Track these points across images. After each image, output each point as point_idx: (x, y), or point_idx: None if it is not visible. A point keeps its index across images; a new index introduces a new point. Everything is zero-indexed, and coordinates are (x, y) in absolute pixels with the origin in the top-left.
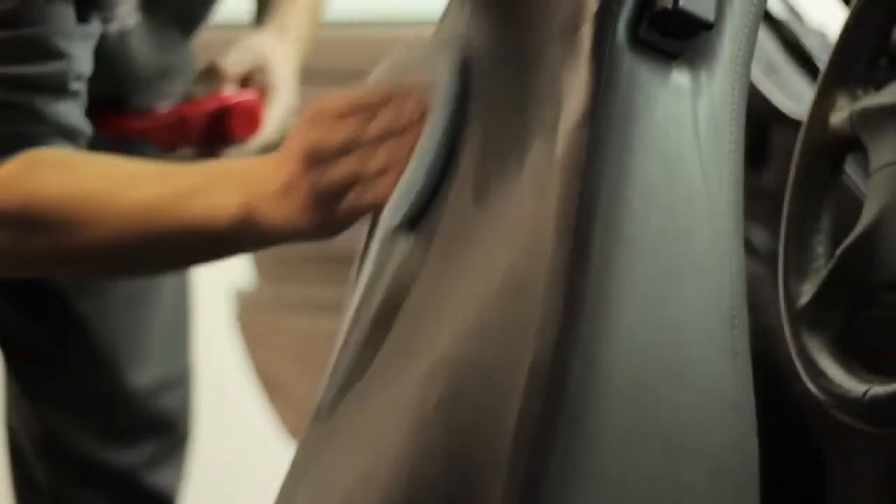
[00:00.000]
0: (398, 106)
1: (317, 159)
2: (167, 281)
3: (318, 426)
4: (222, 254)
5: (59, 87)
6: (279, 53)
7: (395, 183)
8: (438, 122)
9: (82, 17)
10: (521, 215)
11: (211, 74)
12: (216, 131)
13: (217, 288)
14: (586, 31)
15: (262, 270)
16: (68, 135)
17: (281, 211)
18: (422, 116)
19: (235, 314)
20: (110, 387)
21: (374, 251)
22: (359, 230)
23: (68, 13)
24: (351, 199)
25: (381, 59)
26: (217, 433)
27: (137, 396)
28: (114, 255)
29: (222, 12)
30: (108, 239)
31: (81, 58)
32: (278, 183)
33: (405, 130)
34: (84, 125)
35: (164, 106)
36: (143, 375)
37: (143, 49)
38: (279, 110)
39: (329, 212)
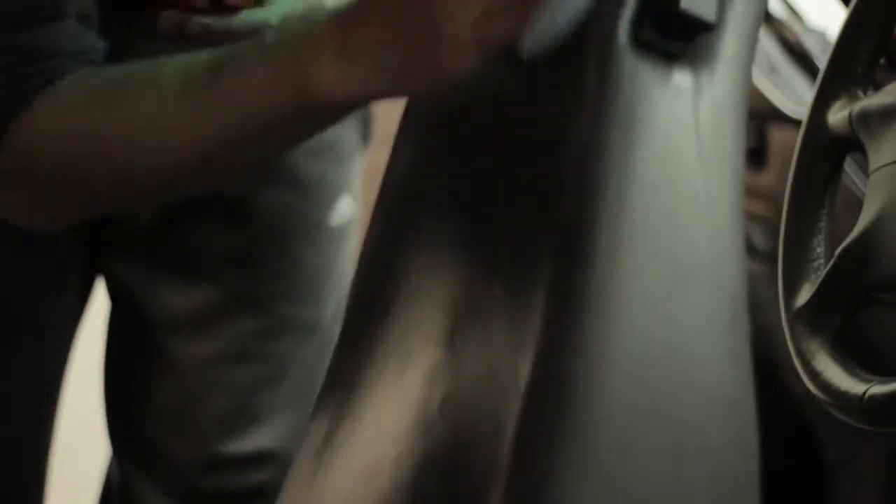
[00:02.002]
0: None
1: None
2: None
3: (320, 422)
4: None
5: (53, 13)
6: None
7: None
8: None
9: None
10: (521, 217)
11: None
12: None
13: None
14: (588, 32)
15: None
16: (81, 59)
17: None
18: None
19: None
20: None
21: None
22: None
23: None
24: (486, 30)
25: None
26: None
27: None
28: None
29: None
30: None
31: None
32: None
33: None
34: (97, 45)
35: None
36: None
37: None
38: None
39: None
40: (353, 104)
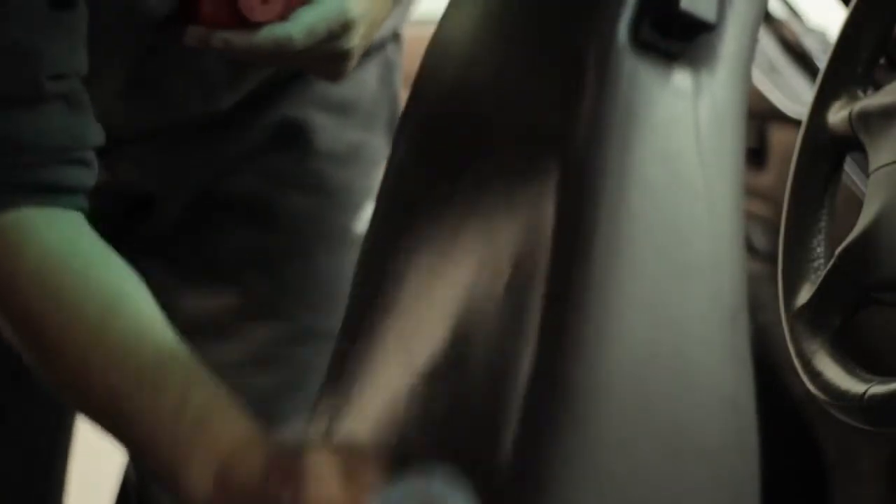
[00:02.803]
0: None
1: None
2: None
3: (320, 422)
4: None
5: (28, 94)
6: None
7: None
8: None
9: (60, 3)
10: (521, 216)
11: None
12: (229, 7)
13: None
14: (587, 32)
15: None
16: (63, 159)
17: None
18: None
19: None
20: None
21: None
22: None
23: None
24: None
25: None
26: None
27: None
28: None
29: None
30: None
31: (61, 53)
32: None
33: None
34: (84, 135)
35: None
36: None
37: None
38: (321, 11)
39: None
40: None
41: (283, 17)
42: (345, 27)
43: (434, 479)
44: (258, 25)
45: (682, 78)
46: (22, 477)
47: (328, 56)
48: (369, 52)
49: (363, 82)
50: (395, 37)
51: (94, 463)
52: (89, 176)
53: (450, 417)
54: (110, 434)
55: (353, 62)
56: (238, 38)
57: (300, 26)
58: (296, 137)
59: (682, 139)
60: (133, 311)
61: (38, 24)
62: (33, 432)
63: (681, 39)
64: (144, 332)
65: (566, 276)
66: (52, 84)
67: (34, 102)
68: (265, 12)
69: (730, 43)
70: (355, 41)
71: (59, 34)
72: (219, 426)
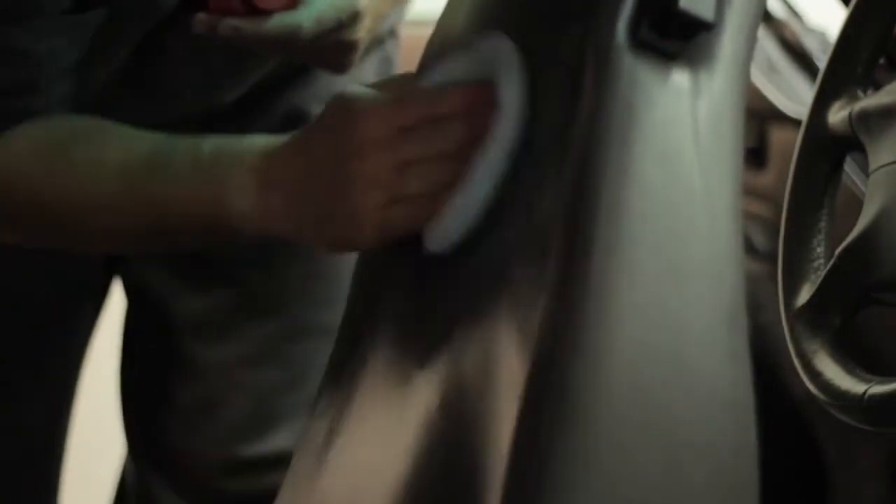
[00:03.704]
0: (465, 119)
1: (373, 173)
2: None
3: (320, 421)
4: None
5: (26, 92)
6: None
7: (442, 205)
8: (505, 143)
9: (85, 5)
10: (520, 214)
11: None
12: None
13: None
14: (586, 32)
15: None
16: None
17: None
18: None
19: None
20: None
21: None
22: None
23: (54, 4)
24: (390, 218)
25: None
26: None
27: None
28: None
29: None
30: (118, 228)
31: (63, 55)
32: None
33: (470, 148)
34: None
35: None
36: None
37: None
38: (329, 2)
39: (361, 231)
40: (264, 235)
41: (292, 5)
42: (352, 17)
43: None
44: (267, 13)
45: (680, 77)
46: (17, 476)
47: (334, 46)
48: (369, 47)
49: (362, 78)
50: (393, 33)
51: (90, 462)
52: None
53: (448, 419)
54: (152, 241)
55: (359, 54)
56: (247, 26)
57: (309, 15)
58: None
59: (680, 139)
60: (123, 128)
61: (50, 27)
62: (28, 431)
63: (679, 39)
64: (138, 134)
65: (565, 275)
66: (54, 86)
67: (33, 100)
68: (274, 0)
69: (728, 42)
70: (362, 32)
71: (68, 38)
72: (242, 144)
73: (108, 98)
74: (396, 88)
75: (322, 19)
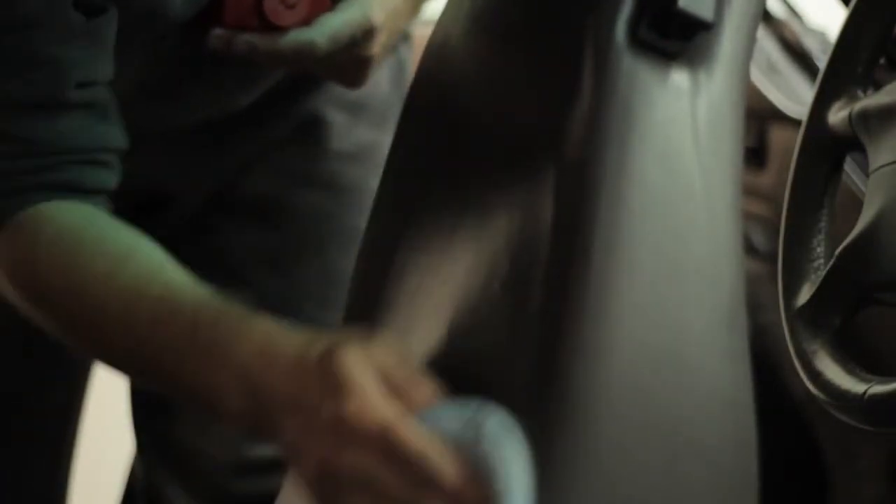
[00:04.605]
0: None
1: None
2: None
3: None
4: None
5: (53, 102)
6: None
7: None
8: None
9: (92, 10)
10: (519, 216)
11: None
12: (254, 11)
13: None
14: (585, 32)
15: None
16: (84, 160)
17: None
18: None
19: None
20: None
21: None
22: None
23: (63, 10)
24: None
25: None
26: None
27: None
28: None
29: None
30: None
31: (86, 62)
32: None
33: None
34: (106, 139)
35: None
36: None
37: None
38: (344, 17)
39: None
40: (252, 431)
41: (307, 22)
42: (367, 34)
43: (484, 409)
44: (282, 30)
45: (680, 77)
46: (26, 477)
47: (349, 62)
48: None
49: (376, 83)
50: (406, 37)
51: (98, 462)
52: (109, 177)
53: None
54: (145, 381)
55: (374, 69)
56: (262, 42)
57: (324, 31)
58: (311, 134)
59: (680, 138)
60: (144, 258)
61: (68, 33)
62: (38, 433)
63: (679, 39)
64: (154, 273)
65: (565, 275)
66: (76, 93)
67: (61, 108)
68: (289, 17)
69: (728, 42)
70: (376, 48)
71: (88, 43)
72: (239, 337)
73: (123, 108)
74: (393, 375)
75: (336, 36)
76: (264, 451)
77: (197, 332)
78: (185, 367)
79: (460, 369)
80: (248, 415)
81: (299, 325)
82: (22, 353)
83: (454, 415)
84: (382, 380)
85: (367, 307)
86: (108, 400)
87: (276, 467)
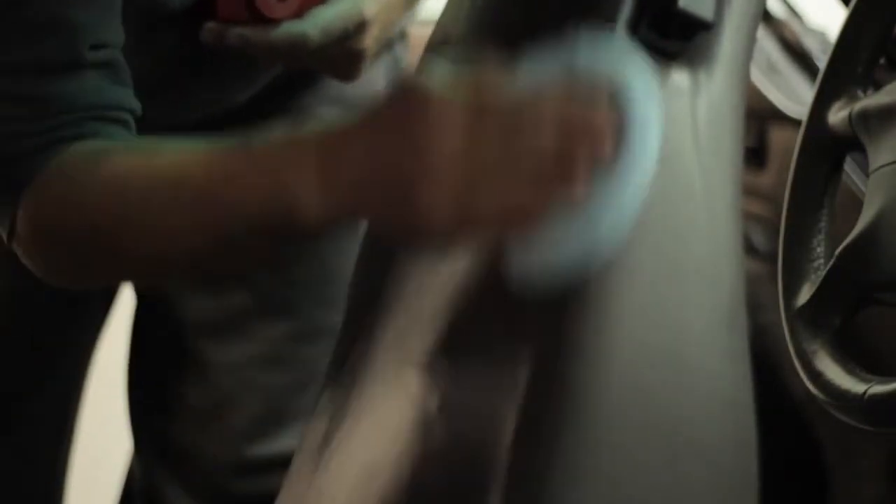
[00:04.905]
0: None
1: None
2: None
3: (319, 421)
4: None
5: (68, 62)
6: None
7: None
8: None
9: None
10: None
11: None
12: (245, 4)
13: None
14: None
15: None
16: (99, 115)
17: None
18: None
19: None
20: None
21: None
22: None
23: None
24: (457, 229)
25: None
26: None
27: None
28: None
29: None
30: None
31: (98, 25)
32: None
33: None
34: (120, 99)
35: None
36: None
37: None
38: (336, 10)
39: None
40: (332, 227)
41: (299, 15)
42: (359, 27)
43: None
44: (274, 23)
45: (680, 77)
46: (23, 476)
47: (342, 55)
48: (379, 51)
49: (371, 80)
50: (402, 35)
51: (96, 461)
52: (126, 134)
53: (447, 419)
54: (208, 258)
55: (367, 63)
56: (254, 35)
57: (316, 24)
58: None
59: (680, 139)
60: (172, 147)
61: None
62: (35, 432)
63: (679, 39)
64: (194, 147)
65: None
66: (93, 53)
67: (75, 69)
68: (281, 10)
69: (728, 42)
70: (369, 41)
71: (96, 8)
72: (298, 138)
73: None
74: (479, 86)
75: (328, 29)
76: (264, 450)
77: (253, 155)
78: (247, 191)
79: (460, 369)
80: (326, 184)
81: (299, 326)
82: (20, 352)
83: (548, 62)
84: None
85: (368, 308)
86: (105, 398)
87: (276, 467)
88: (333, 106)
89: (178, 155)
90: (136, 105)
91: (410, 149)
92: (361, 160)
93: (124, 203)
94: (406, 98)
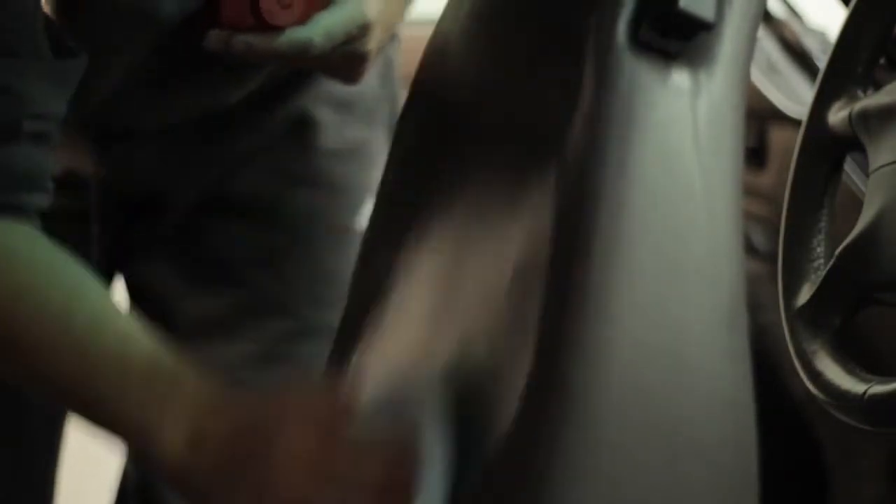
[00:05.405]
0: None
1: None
2: None
3: None
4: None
5: (7, 134)
6: None
7: None
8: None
9: (61, 51)
10: (520, 216)
11: None
12: (249, 11)
13: None
14: (586, 32)
15: None
16: (26, 186)
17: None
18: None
19: None
20: None
21: None
22: None
23: (36, 44)
24: None
25: None
26: None
27: None
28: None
29: None
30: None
31: (44, 95)
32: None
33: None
34: (46, 160)
35: None
36: None
37: None
38: (340, 15)
39: None
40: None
41: (303, 21)
42: (362, 30)
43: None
44: (278, 29)
45: (680, 77)
46: (11, 483)
47: (346, 59)
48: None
49: (366, 81)
50: (393, 36)
51: (90, 463)
52: (46, 201)
53: (448, 417)
54: (81, 416)
55: (370, 65)
56: (259, 42)
57: (319, 30)
58: (302, 132)
59: (680, 139)
60: (96, 297)
61: (34, 70)
62: (23, 438)
63: (679, 39)
64: (108, 313)
65: (565, 276)
66: (30, 123)
67: (8, 140)
68: (285, 16)
69: (728, 42)
70: (372, 44)
71: (52, 81)
72: (186, 389)
73: (113, 105)
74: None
75: (332, 33)
76: None
77: (153, 379)
78: (131, 411)
79: (460, 370)
80: (183, 461)
81: (293, 324)
82: None
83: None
84: (313, 419)
85: (367, 309)
86: None
87: None
88: (325, 107)
89: (93, 316)
90: (54, 165)
91: (266, 452)
92: (224, 441)
93: (13, 316)
94: (261, 422)
